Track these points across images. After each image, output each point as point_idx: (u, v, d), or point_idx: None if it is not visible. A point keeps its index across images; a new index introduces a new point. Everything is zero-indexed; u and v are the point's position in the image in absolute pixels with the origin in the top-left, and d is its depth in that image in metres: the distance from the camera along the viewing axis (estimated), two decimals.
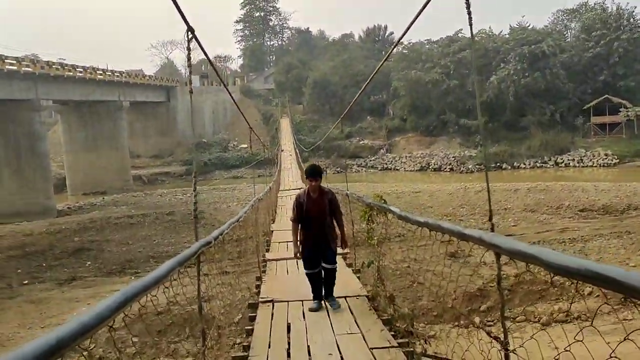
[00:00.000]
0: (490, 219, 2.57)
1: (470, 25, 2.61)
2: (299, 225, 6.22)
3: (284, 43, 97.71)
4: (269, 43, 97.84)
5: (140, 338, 9.78)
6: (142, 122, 59.18)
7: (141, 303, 2.26)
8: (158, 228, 22.94)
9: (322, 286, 6.16)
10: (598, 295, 10.28)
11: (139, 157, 56.48)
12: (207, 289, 4.12)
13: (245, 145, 53.90)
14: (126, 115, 51.63)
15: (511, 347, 2.74)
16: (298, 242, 6.23)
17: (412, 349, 4.26)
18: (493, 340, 2.93)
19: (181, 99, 59.83)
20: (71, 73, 40.38)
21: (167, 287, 2.78)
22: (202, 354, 3.03)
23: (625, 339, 1.71)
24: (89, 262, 17.84)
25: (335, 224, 6.34)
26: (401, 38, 6.23)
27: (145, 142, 58.57)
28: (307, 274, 6.22)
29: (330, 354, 4.39)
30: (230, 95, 10.97)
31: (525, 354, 2.77)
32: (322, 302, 6.13)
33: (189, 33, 3.09)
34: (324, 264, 6.09)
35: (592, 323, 8.57)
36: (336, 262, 6.24)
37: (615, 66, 48.79)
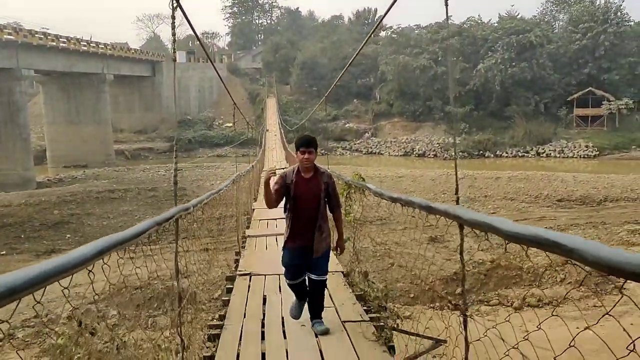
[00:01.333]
0: (456, 193, 2.76)
1: (447, 18, 2.71)
2: (286, 215, 4.61)
3: (272, 22, 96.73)
4: (257, 21, 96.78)
5: (120, 311, 9.85)
6: (127, 97, 58.49)
7: (123, 273, 2.33)
8: (140, 203, 22.89)
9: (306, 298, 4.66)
10: (570, 282, 10.56)
11: (122, 131, 55.91)
12: (187, 264, 4.19)
13: (230, 124, 53.64)
14: (110, 88, 51.04)
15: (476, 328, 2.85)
16: (283, 242, 4.66)
17: (382, 324, 4.39)
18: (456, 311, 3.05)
19: (167, 74, 59.16)
20: (54, 43, 39.70)
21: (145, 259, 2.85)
22: (177, 315, 3.10)
23: (586, 329, 1.79)
24: (69, 235, 17.78)
25: (329, 217, 4.77)
26: (381, 20, 5.95)
27: (129, 116, 57.96)
28: (289, 285, 4.62)
29: (303, 325, 4.52)
30: (217, 71, 10.91)
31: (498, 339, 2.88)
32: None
33: (174, 2, 3.10)
34: (310, 275, 4.46)
35: (552, 313, 8.84)
36: (327, 272, 4.57)
37: (601, 59, 49.23)
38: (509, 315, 9.44)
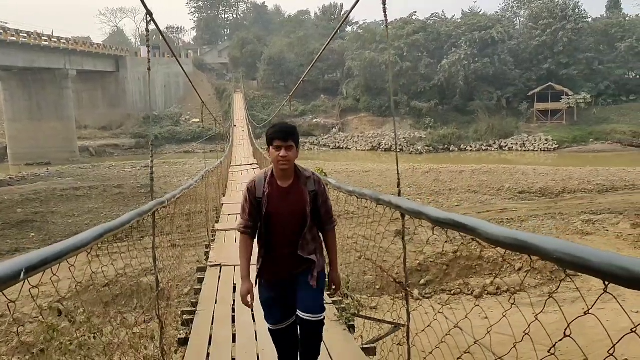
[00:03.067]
0: (398, 186, 3.13)
1: (385, 17, 2.97)
2: (254, 240, 3.18)
3: (239, 17, 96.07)
4: (223, 16, 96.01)
5: (88, 308, 9.90)
6: (90, 92, 57.44)
7: (90, 271, 2.53)
8: (106, 201, 22.67)
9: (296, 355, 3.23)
10: (528, 271, 11.05)
11: (86, 128, 54.93)
12: (156, 261, 4.39)
13: (197, 120, 53.29)
14: (73, 84, 50.06)
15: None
16: (256, 272, 3.17)
17: (344, 306, 4.68)
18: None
19: (131, 69, 58.29)
20: (14, 38, 38.77)
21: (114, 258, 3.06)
22: (156, 297, 3.32)
23: (535, 320, 2.02)
24: (33, 234, 17.54)
25: (321, 237, 3.26)
26: (347, 15, 5.93)
27: (94, 112, 56.95)
28: (270, 331, 3.27)
29: None
30: (182, 68, 10.99)
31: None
32: None
33: (147, 16, 3.28)
34: (301, 313, 3.05)
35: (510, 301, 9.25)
36: (324, 310, 3.14)
37: (560, 55, 50.63)
38: (447, 300, 9.86)
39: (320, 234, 3.21)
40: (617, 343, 1.20)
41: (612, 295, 1.42)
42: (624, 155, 39.87)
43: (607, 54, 51.57)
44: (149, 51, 3.51)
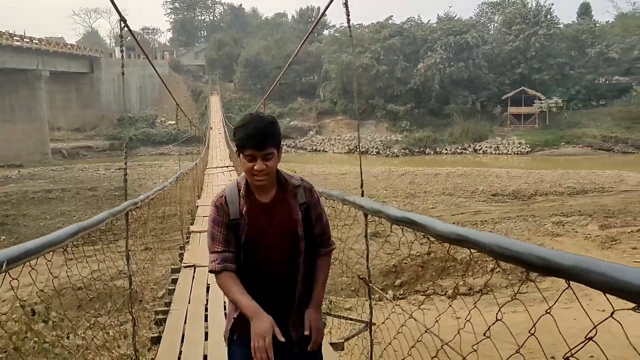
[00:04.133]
0: (361, 187, 3.20)
1: (349, 21, 3.02)
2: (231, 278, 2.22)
3: (215, 19, 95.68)
4: (200, 17, 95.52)
5: (62, 311, 9.79)
6: (64, 94, 56.54)
7: (63, 275, 2.55)
8: (79, 203, 22.38)
9: None
10: (499, 271, 11.27)
11: (59, 129, 54.06)
12: (135, 265, 4.41)
13: (173, 122, 52.87)
14: (46, 85, 49.24)
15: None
16: (230, 324, 2.28)
17: None
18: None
19: (105, 70, 57.57)
20: None
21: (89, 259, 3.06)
22: (129, 295, 3.33)
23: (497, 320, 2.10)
24: (4, 237, 17.23)
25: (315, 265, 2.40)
26: (320, 17, 5.93)
27: (67, 114, 56.09)
28: None
29: None
30: (156, 70, 10.95)
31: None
32: None
33: (121, 22, 3.29)
34: None
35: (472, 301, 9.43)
36: None
37: (532, 60, 51.52)
38: (418, 300, 10.00)
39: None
40: (574, 347, 1.26)
41: (573, 291, 1.48)
42: (594, 159, 40.75)
43: (578, 59, 52.65)
44: (122, 57, 3.52)
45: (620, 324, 1.04)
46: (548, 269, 1.23)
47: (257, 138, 2.09)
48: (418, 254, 12.32)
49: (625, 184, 24.05)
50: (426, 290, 10.81)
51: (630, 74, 51.38)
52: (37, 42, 46.08)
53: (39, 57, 46.33)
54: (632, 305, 0.95)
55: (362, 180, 3.35)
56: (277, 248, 2.22)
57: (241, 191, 2.24)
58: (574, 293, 1.25)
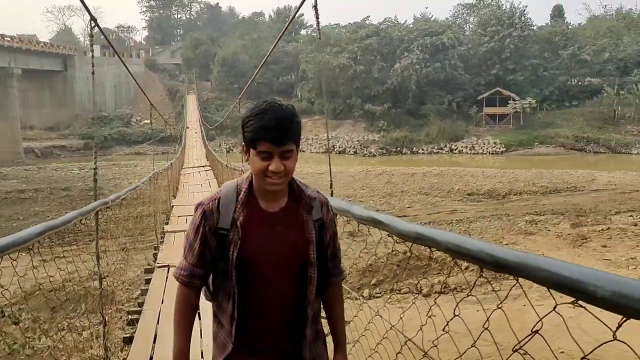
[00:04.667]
0: (330, 187, 3.22)
1: (318, 23, 3.06)
2: (198, 300, 1.93)
3: (192, 17, 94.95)
4: (176, 16, 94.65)
5: (33, 314, 9.65)
6: (37, 92, 55.49)
7: (35, 276, 2.54)
8: (52, 204, 22.03)
9: None
10: (473, 270, 11.44)
11: (32, 128, 53.06)
12: (106, 264, 4.39)
13: (149, 121, 52.34)
14: (18, 83, 48.28)
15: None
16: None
17: None
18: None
19: (79, 68, 56.65)
20: None
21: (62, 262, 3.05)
22: (99, 295, 3.32)
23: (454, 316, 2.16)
24: None
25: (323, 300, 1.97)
26: (294, 16, 5.87)
27: (40, 113, 55.04)
28: None
29: None
30: (128, 70, 10.84)
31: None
32: None
33: (91, 22, 3.28)
34: None
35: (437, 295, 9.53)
36: None
37: (507, 61, 52.22)
38: (393, 299, 10.11)
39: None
40: (522, 340, 1.32)
41: (522, 288, 1.53)
42: (567, 159, 41.49)
43: (551, 60, 53.55)
44: (92, 57, 3.51)
45: (563, 318, 1.10)
46: (497, 265, 1.29)
47: (276, 130, 1.65)
48: (394, 252, 12.47)
49: (597, 183, 24.56)
50: (401, 289, 10.92)
51: (602, 75, 52.47)
52: (8, 39, 45.17)
53: (11, 54, 45.43)
54: (570, 299, 1.01)
55: (331, 180, 3.41)
56: (281, 274, 1.75)
57: (241, 195, 1.77)
58: (522, 289, 1.31)
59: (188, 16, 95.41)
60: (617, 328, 0.93)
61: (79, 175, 31.97)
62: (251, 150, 1.71)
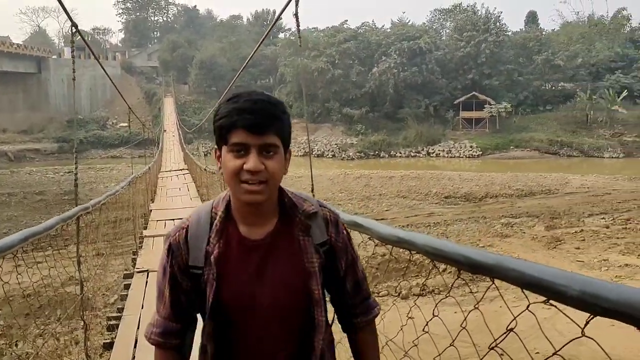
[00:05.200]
0: (312, 190, 3.27)
1: (298, 31, 3.11)
2: None
3: (169, 20, 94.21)
4: (153, 18, 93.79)
5: (7, 321, 9.49)
6: (10, 94, 54.57)
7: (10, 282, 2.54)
8: (26, 209, 21.65)
9: None
10: (450, 272, 11.58)
11: (4, 131, 52.13)
12: (87, 270, 4.37)
13: (126, 124, 51.77)
14: None
15: None
16: None
17: None
18: None
19: (54, 71, 55.88)
20: None
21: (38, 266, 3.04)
22: (80, 300, 3.31)
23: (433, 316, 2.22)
24: None
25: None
26: (276, 20, 5.87)
27: (13, 116, 54.11)
28: None
29: (198, 313, 4.86)
30: (107, 73, 10.77)
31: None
32: None
33: (73, 28, 3.28)
34: None
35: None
36: None
37: (482, 66, 52.94)
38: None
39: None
40: (498, 338, 1.37)
41: (497, 289, 1.59)
42: (541, 162, 42.18)
43: (526, 66, 54.45)
44: (73, 62, 3.50)
45: (536, 318, 1.16)
46: (474, 267, 1.35)
47: (254, 113, 1.25)
48: (373, 255, 12.57)
49: (570, 186, 25.02)
50: (380, 292, 11.02)
51: (575, 80, 53.51)
52: None
53: None
54: (543, 298, 1.07)
55: (312, 184, 3.45)
56: (276, 323, 1.34)
57: (216, 220, 1.36)
58: (497, 290, 1.36)
59: (165, 19, 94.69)
60: (585, 325, 0.99)
61: (53, 180, 31.47)
62: (223, 148, 1.31)
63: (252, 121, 1.25)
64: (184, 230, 1.39)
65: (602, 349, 1.07)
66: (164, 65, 68.89)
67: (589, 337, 1.00)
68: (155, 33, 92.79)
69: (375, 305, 1.54)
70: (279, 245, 1.37)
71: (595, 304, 0.95)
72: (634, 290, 0.92)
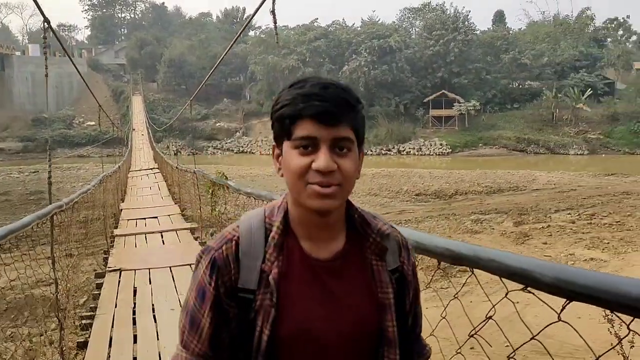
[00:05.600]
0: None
1: (276, 28, 3.12)
2: None
3: (137, 16, 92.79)
4: (120, 15, 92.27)
5: None
6: None
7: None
8: None
9: None
10: (422, 268, 11.72)
11: None
12: (60, 269, 4.32)
13: (93, 123, 50.85)
14: None
15: None
16: None
17: None
18: None
19: (18, 68, 54.51)
20: None
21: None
22: (55, 299, 3.27)
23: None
24: None
25: None
26: (250, 19, 5.87)
27: None
28: None
29: (172, 309, 4.86)
30: (77, 70, 10.59)
31: None
32: None
33: (45, 23, 3.22)
34: None
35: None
36: None
37: (451, 64, 53.59)
38: None
39: None
40: (478, 326, 1.41)
41: (476, 278, 1.64)
42: (509, 159, 42.93)
43: (494, 64, 55.29)
44: (46, 58, 3.45)
45: (515, 305, 1.21)
46: (454, 258, 1.40)
47: (323, 101, 1.02)
48: None
49: (537, 183, 25.55)
50: None
51: (541, 79, 54.60)
52: None
53: None
54: (520, 286, 1.12)
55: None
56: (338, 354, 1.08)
57: (272, 233, 1.10)
58: (476, 279, 1.41)
59: (133, 16, 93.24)
60: (562, 310, 1.04)
61: (18, 180, 30.69)
62: (284, 144, 1.07)
63: (323, 109, 1.01)
64: (234, 242, 1.09)
65: (577, 332, 1.12)
66: (132, 62, 67.83)
67: (565, 322, 1.05)
68: (122, 30, 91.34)
69: (426, 344, 1.32)
70: (349, 269, 1.11)
71: (569, 290, 1.00)
72: (604, 276, 0.98)
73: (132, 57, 67.57)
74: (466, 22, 55.56)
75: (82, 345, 4.13)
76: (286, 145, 1.06)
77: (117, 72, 70.70)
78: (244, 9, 72.50)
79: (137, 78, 64.04)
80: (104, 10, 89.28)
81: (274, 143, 1.12)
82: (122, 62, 72.47)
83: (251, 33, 66.15)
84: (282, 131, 1.06)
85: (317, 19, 57.85)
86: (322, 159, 1.00)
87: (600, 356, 1.05)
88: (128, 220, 10.92)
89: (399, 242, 1.20)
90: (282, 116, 1.05)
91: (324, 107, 1.01)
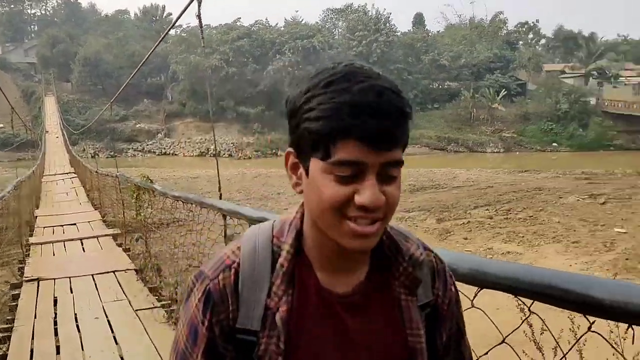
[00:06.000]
0: (219, 190, 3.31)
1: (202, 32, 3.13)
2: None
3: (48, 13, 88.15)
4: (29, 11, 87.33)
5: None
6: None
7: None
8: None
9: None
10: None
11: None
12: None
13: (2, 125, 47.81)
14: None
15: None
16: None
17: (173, 309, 4.77)
18: None
19: None
20: None
21: None
22: None
23: None
24: None
25: None
26: (178, 18, 5.72)
27: None
28: None
29: (96, 318, 4.73)
30: None
31: None
32: None
33: None
34: None
35: None
36: None
37: (374, 65, 51.81)
38: None
39: None
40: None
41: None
42: (431, 158, 44.45)
43: (414, 65, 56.99)
44: None
45: (484, 311, 1.29)
46: None
47: (379, 117, 0.76)
48: None
49: (457, 180, 26.62)
50: None
51: (459, 79, 56.91)
52: None
53: None
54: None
55: (219, 183, 3.45)
56: None
57: (281, 258, 0.87)
58: None
59: (43, 12, 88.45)
60: (474, 297, 1.13)
61: None
62: (314, 161, 0.81)
63: (381, 129, 0.75)
64: (233, 271, 0.87)
65: (488, 317, 1.21)
66: (44, 61, 64.33)
67: (478, 308, 1.14)
68: (32, 27, 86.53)
69: None
70: (371, 306, 0.89)
71: (483, 279, 1.09)
72: (514, 266, 1.08)
73: (44, 56, 64.04)
74: (387, 24, 56.96)
75: (1, 359, 3.96)
76: (316, 164, 0.80)
77: (28, 72, 66.91)
78: (164, 7, 70.72)
79: (49, 78, 60.74)
80: (12, 6, 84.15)
81: (290, 149, 0.88)
82: (33, 61, 68.59)
83: (172, 32, 64.59)
84: (314, 149, 0.79)
85: (240, 18, 57.43)
86: (369, 193, 0.77)
87: (506, 336, 1.15)
88: (44, 227, 10.41)
89: (433, 268, 0.95)
90: (319, 132, 0.77)
91: (381, 126, 0.75)
